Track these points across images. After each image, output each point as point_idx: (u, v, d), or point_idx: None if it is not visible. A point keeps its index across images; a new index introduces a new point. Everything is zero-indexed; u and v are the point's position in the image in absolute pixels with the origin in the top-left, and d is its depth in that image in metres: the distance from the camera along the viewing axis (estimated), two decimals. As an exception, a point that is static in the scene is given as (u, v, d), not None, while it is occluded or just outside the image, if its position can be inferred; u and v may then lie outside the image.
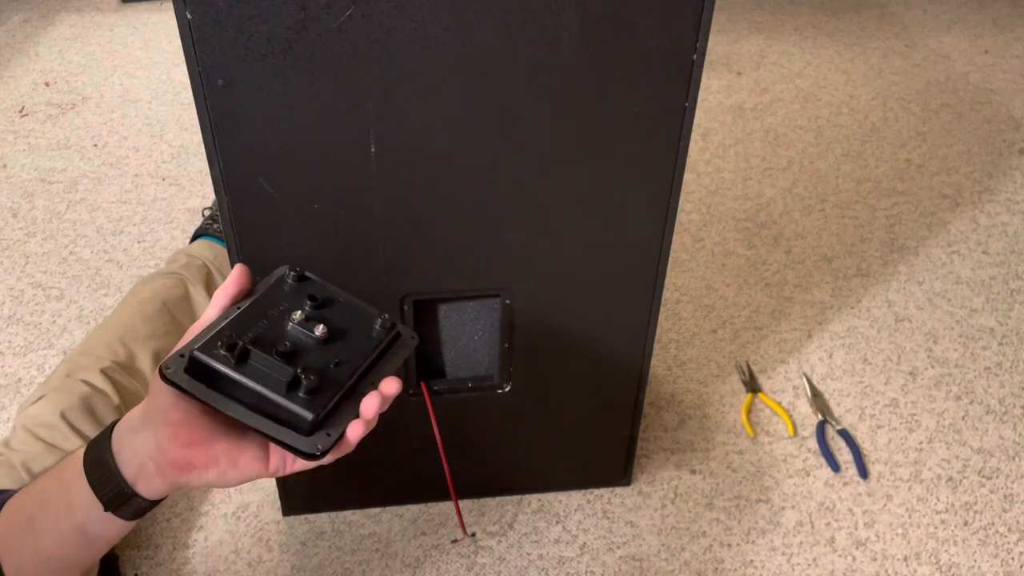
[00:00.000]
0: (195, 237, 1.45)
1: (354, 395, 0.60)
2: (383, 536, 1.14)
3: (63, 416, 1.02)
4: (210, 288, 1.27)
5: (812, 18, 2.51)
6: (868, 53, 2.33)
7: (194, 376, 0.57)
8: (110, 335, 1.16)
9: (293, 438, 0.56)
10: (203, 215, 1.60)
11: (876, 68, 2.26)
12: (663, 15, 0.78)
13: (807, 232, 1.69)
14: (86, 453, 0.60)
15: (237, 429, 0.59)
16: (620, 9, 0.77)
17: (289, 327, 0.61)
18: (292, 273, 0.65)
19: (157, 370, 0.57)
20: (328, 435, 0.57)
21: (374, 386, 0.61)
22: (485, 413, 1.09)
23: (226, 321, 0.60)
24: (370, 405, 0.59)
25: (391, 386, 0.61)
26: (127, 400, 1.10)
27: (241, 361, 0.57)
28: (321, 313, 0.63)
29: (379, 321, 0.63)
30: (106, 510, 0.59)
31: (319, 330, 0.61)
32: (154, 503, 0.60)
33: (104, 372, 1.09)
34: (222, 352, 0.56)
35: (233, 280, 0.64)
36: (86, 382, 1.07)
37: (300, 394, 0.56)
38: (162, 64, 2.21)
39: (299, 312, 0.61)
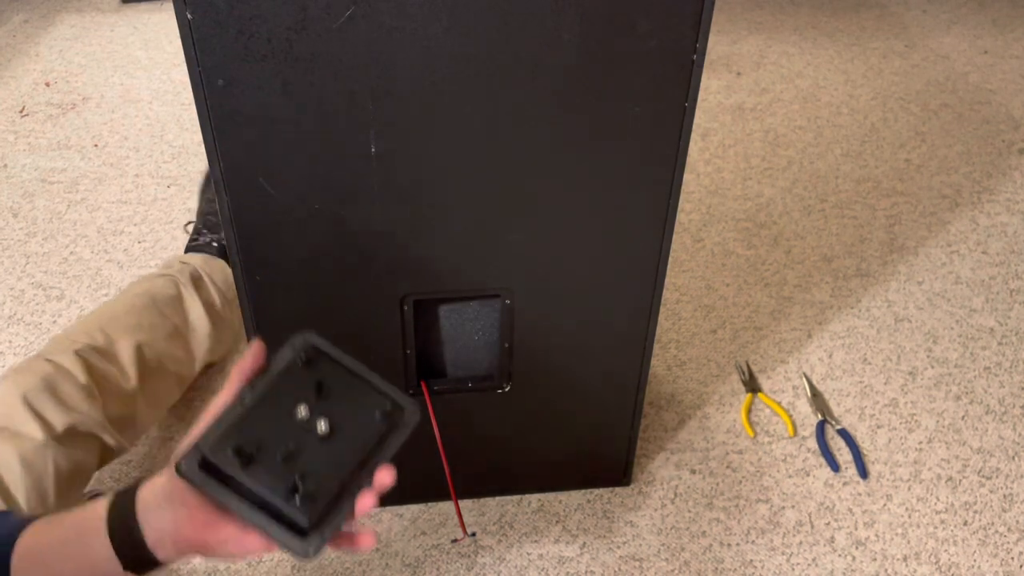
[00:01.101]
0: (187, 250, 1.47)
1: (350, 488, 0.64)
2: (383, 536, 1.14)
3: (24, 399, 1.01)
4: (200, 292, 1.26)
5: (812, 18, 2.51)
6: (868, 53, 2.33)
7: (206, 471, 0.62)
8: (91, 322, 1.16)
9: (289, 539, 0.61)
10: (185, 230, 1.59)
11: (876, 68, 2.26)
12: (663, 15, 0.78)
13: (807, 232, 1.69)
14: (111, 519, 0.66)
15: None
16: (620, 9, 0.77)
17: (294, 422, 0.65)
18: (303, 355, 0.68)
19: (174, 463, 0.63)
20: (322, 536, 0.62)
21: (370, 477, 0.65)
22: (485, 413, 1.09)
23: (237, 414, 0.65)
24: (363, 505, 0.64)
25: (385, 479, 0.65)
26: (99, 382, 1.09)
27: (246, 464, 0.62)
28: (325, 405, 0.66)
29: (378, 413, 0.67)
30: (125, 569, 0.65)
31: (321, 426, 0.65)
32: (166, 564, 0.67)
33: (77, 353, 1.08)
34: (229, 454, 0.62)
35: (249, 359, 0.69)
36: (51, 361, 1.06)
37: (297, 501, 0.61)
38: (162, 64, 2.21)
39: (303, 407, 0.65)
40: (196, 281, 1.27)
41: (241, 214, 0.86)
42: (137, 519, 0.65)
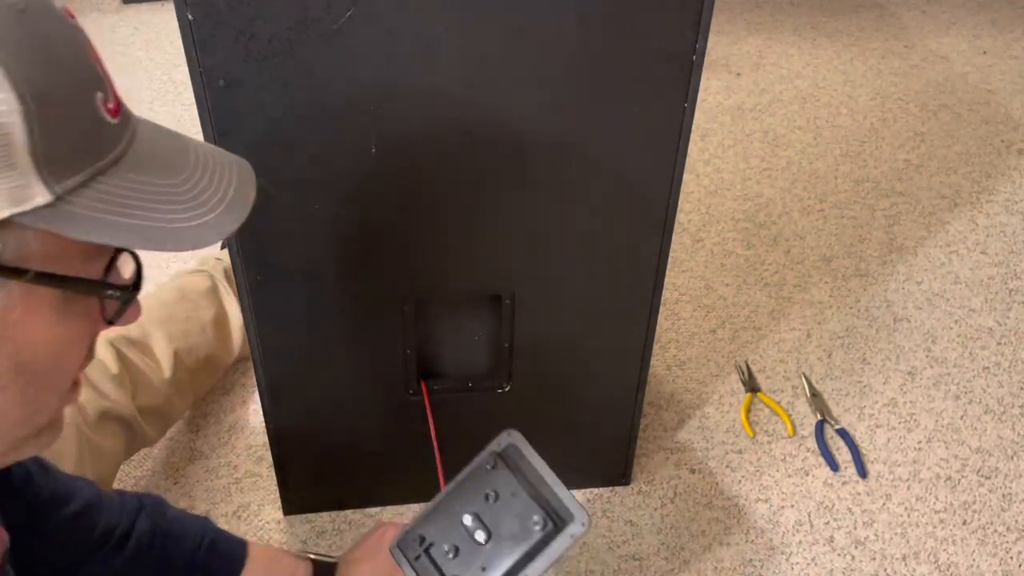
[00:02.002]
0: (222, 247, 1.49)
1: None
2: (383, 535, 1.14)
3: None
4: (234, 286, 1.28)
5: (811, 19, 2.51)
6: (867, 54, 2.34)
7: (402, 551, 0.79)
8: None
9: None
10: None
11: (875, 69, 2.27)
12: (663, 15, 0.78)
13: (806, 232, 1.69)
14: None
15: None
16: (620, 9, 0.78)
17: (462, 525, 0.77)
18: (495, 458, 0.80)
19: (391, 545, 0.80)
20: None
21: None
22: (485, 413, 1.09)
23: (431, 507, 0.80)
24: None
25: None
26: (131, 372, 1.10)
27: (416, 560, 0.77)
28: (491, 512, 0.77)
29: (538, 522, 0.75)
30: None
31: (479, 536, 0.76)
32: None
33: (110, 342, 1.10)
34: (407, 552, 0.78)
35: None
36: None
37: None
38: (163, 65, 2.22)
39: (469, 516, 0.77)
40: (230, 275, 1.28)
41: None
42: None
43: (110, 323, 0.51)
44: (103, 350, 1.09)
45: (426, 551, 0.77)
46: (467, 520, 0.77)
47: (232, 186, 0.51)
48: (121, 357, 1.10)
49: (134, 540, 0.80)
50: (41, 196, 0.42)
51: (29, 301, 0.45)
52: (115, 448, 1.07)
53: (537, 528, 0.74)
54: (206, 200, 0.49)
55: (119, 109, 0.48)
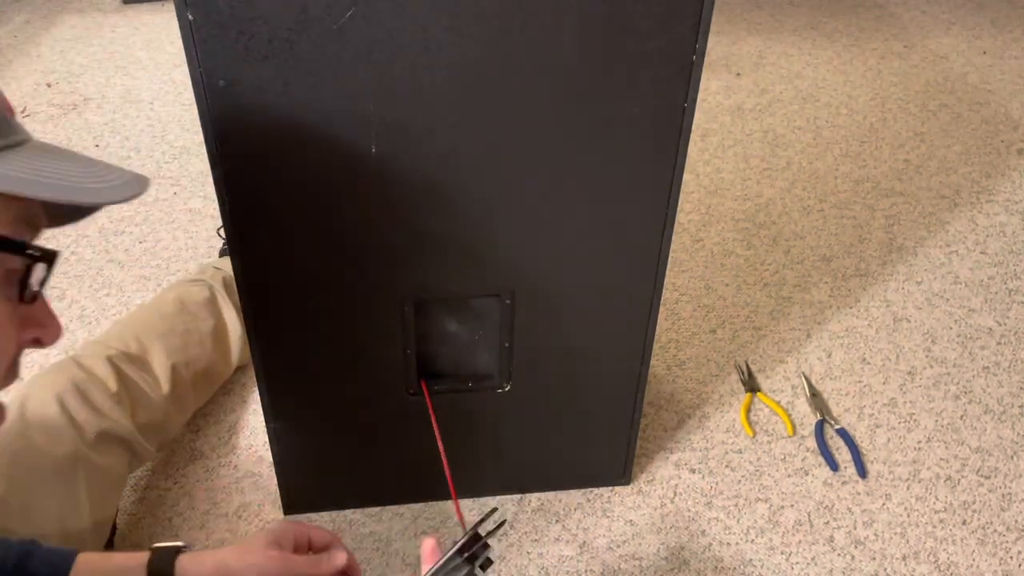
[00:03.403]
0: (221, 255, 1.49)
1: None
2: (384, 535, 1.14)
3: (59, 399, 1.01)
4: (233, 296, 1.27)
5: (811, 19, 2.51)
6: (867, 54, 2.34)
7: None
8: (126, 328, 1.16)
9: None
10: (219, 235, 1.61)
11: (875, 69, 2.27)
12: (663, 15, 0.79)
13: (806, 232, 1.69)
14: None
15: None
16: (620, 9, 0.78)
17: None
18: (465, 552, 0.79)
19: None
20: None
21: None
22: (485, 413, 1.09)
23: None
24: None
25: None
26: (130, 390, 1.09)
27: None
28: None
29: None
30: None
31: None
32: None
33: (109, 359, 1.09)
34: None
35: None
36: (82, 366, 1.06)
37: None
38: (164, 65, 2.22)
39: None
40: (228, 286, 1.28)
41: (242, 214, 0.86)
42: None
43: (31, 301, 0.53)
44: (102, 368, 1.08)
45: None
46: None
47: (129, 175, 0.55)
48: (120, 375, 1.09)
49: None
50: None
51: None
52: (117, 468, 1.05)
53: None
54: (105, 175, 0.53)
55: (12, 111, 0.52)
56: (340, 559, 0.81)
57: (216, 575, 0.76)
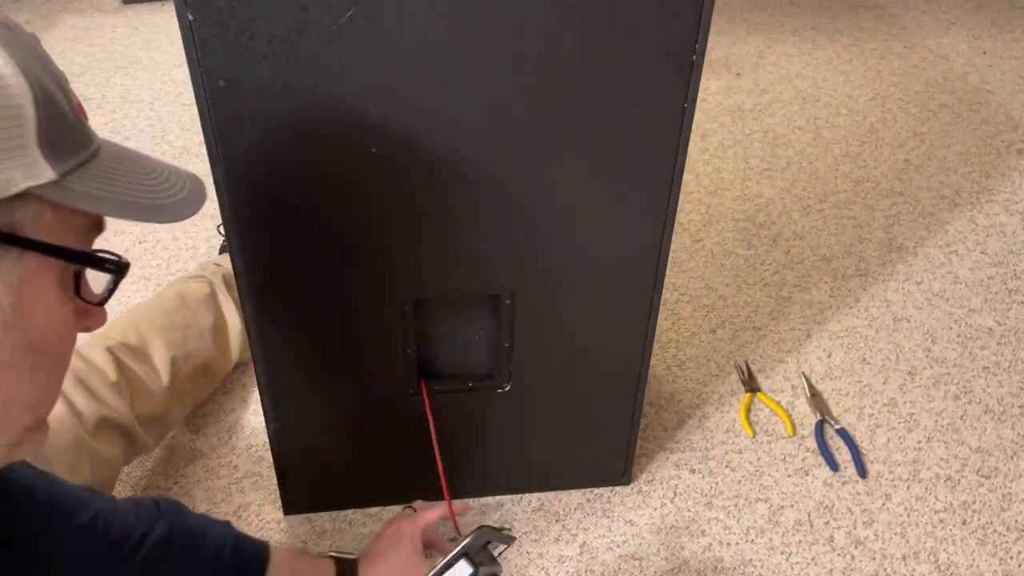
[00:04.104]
0: (220, 252, 1.49)
1: None
2: (383, 535, 1.14)
3: None
4: (233, 292, 1.28)
5: (811, 19, 2.51)
6: (867, 54, 2.34)
7: None
8: (126, 321, 1.17)
9: None
10: (219, 231, 1.61)
11: (875, 69, 2.27)
12: (663, 16, 0.79)
13: (806, 232, 1.69)
14: None
15: None
16: (620, 9, 0.78)
17: None
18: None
19: None
20: None
21: None
22: (485, 413, 1.09)
23: None
24: None
25: None
26: (129, 380, 1.10)
27: None
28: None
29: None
30: None
31: None
32: None
33: (109, 350, 1.09)
34: None
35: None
36: (82, 356, 1.07)
37: None
38: (164, 65, 2.22)
39: None
40: (229, 282, 1.28)
41: (241, 214, 0.86)
42: None
43: (100, 304, 0.55)
44: (102, 358, 1.08)
45: None
46: None
47: (189, 181, 0.57)
48: (119, 365, 1.09)
49: (150, 546, 0.80)
50: (48, 174, 0.47)
51: (40, 276, 0.49)
52: (114, 456, 1.06)
53: None
54: (172, 186, 0.55)
55: (86, 115, 0.53)
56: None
57: None
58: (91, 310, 0.54)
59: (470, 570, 0.82)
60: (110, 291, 0.54)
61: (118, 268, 0.52)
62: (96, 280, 0.54)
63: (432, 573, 0.82)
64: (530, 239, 0.93)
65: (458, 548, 0.85)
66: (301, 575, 0.91)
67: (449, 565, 0.83)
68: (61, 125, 0.49)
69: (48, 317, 0.50)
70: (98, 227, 0.54)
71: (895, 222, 1.73)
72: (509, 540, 0.91)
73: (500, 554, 0.88)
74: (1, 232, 0.46)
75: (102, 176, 0.51)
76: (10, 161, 0.45)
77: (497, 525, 0.93)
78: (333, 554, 0.96)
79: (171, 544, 0.81)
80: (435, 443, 1.02)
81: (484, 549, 0.85)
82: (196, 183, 0.58)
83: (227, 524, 0.89)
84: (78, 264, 0.51)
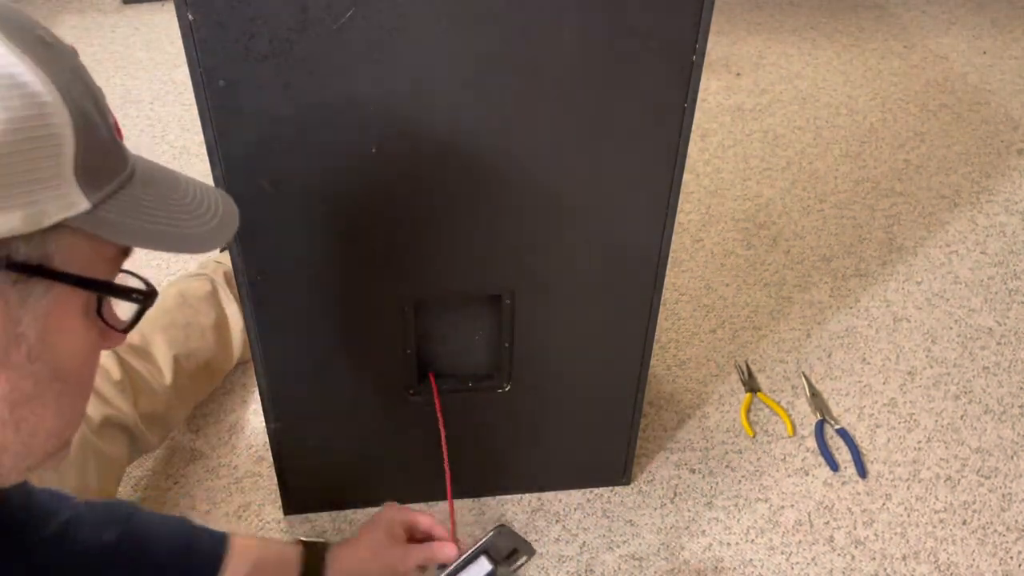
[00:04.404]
0: (221, 250, 1.48)
1: None
2: (383, 535, 1.14)
3: None
4: (234, 290, 1.28)
5: (811, 19, 2.51)
6: (867, 54, 2.34)
7: None
8: None
9: None
10: None
11: (875, 69, 2.27)
12: (663, 16, 0.79)
13: (806, 232, 1.69)
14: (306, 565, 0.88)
15: None
16: (620, 10, 0.78)
17: None
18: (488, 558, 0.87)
19: None
20: None
21: None
22: (485, 413, 1.09)
23: None
24: None
25: None
26: (132, 379, 1.10)
27: None
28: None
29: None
30: None
31: None
32: None
33: (112, 349, 1.10)
34: None
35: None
36: None
37: None
38: (164, 65, 2.22)
39: None
40: (230, 279, 1.29)
41: (242, 214, 0.86)
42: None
43: (124, 331, 0.54)
44: (104, 356, 1.09)
45: None
46: None
47: (219, 204, 0.56)
48: (122, 363, 1.10)
49: (110, 547, 0.78)
50: (83, 204, 0.46)
51: (67, 306, 0.48)
52: (119, 455, 1.07)
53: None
54: (203, 212, 0.54)
55: (120, 133, 0.52)
56: (450, 553, 0.91)
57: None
58: (113, 333, 0.53)
59: (489, 567, 0.81)
60: (136, 319, 0.54)
61: (145, 297, 0.52)
62: (122, 305, 0.53)
63: (451, 567, 0.82)
64: (530, 239, 0.93)
65: (479, 544, 0.84)
66: (264, 561, 0.88)
67: (469, 561, 0.82)
68: (99, 151, 0.48)
69: (73, 345, 0.50)
70: (126, 252, 0.53)
71: (895, 222, 1.73)
72: (531, 552, 0.90)
73: (520, 566, 0.88)
74: (31, 264, 0.45)
75: (136, 204, 0.50)
76: (45, 191, 0.44)
77: (517, 531, 0.93)
78: (303, 538, 0.93)
79: (119, 548, 0.79)
80: (443, 434, 1.01)
81: (509, 557, 0.85)
82: (227, 204, 0.57)
83: (182, 520, 0.87)
84: (107, 294, 0.51)
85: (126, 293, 0.51)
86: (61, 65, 0.46)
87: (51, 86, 0.44)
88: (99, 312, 0.51)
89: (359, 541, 0.93)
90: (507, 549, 0.87)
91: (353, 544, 0.93)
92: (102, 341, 0.53)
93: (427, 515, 0.96)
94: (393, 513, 0.96)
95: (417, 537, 0.96)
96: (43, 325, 0.47)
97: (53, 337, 0.48)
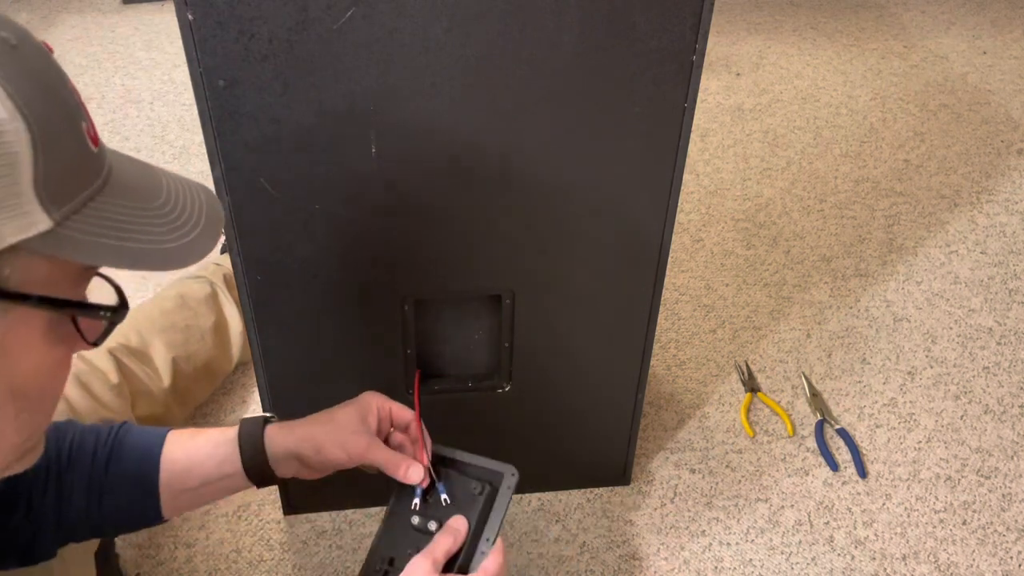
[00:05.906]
0: (221, 252, 1.48)
1: (475, 552, 0.77)
2: (383, 535, 1.14)
3: None
4: (233, 291, 1.28)
5: (811, 19, 2.51)
6: (867, 54, 2.34)
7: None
8: (127, 323, 1.17)
9: None
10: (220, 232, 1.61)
11: (874, 69, 2.27)
12: (663, 16, 0.79)
13: (806, 232, 1.69)
14: (243, 445, 0.80)
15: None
16: (620, 10, 0.78)
17: (412, 529, 0.79)
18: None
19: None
20: None
21: (491, 535, 0.77)
22: (485, 413, 1.09)
23: (380, 532, 0.82)
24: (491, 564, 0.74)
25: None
26: (130, 382, 1.10)
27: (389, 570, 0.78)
28: (433, 507, 0.80)
29: (476, 489, 0.79)
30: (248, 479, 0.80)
31: (432, 525, 0.78)
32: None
33: (110, 352, 1.09)
34: (378, 565, 0.79)
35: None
36: (83, 358, 1.07)
37: None
38: (164, 65, 2.22)
39: (416, 517, 0.79)
40: (229, 281, 1.28)
41: (241, 214, 0.86)
42: (266, 455, 0.79)
43: (95, 344, 0.52)
44: (103, 360, 1.08)
45: (390, 564, 0.78)
46: (415, 521, 0.79)
47: (203, 210, 0.53)
48: (120, 367, 1.09)
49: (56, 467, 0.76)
50: (43, 223, 0.43)
51: (26, 326, 0.46)
52: None
53: (478, 492, 0.79)
54: (184, 223, 0.51)
55: (97, 138, 0.49)
56: (416, 476, 0.81)
57: (302, 445, 0.79)
58: (83, 343, 0.51)
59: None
60: (104, 335, 0.52)
61: (113, 313, 0.50)
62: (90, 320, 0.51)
63: (411, 500, 0.80)
64: (530, 239, 0.93)
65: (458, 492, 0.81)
66: (199, 435, 0.81)
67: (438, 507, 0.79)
68: (63, 164, 0.45)
69: (35, 363, 0.48)
70: (91, 267, 0.50)
71: (895, 222, 1.73)
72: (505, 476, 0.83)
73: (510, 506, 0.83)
74: None
75: (105, 218, 0.47)
76: (0, 213, 0.41)
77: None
78: (246, 417, 0.87)
79: (59, 457, 0.76)
80: (420, 428, 0.99)
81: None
82: (211, 209, 0.54)
83: (125, 423, 0.82)
84: (69, 313, 0.48)
85: (92, 310, 0.49)
86: (25, 72, 0.44)
87: (6, 100, 0.41)
88: (75, 323, 0.50)
89: (324, 414, 0.83)
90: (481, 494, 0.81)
91: (312, 420, 0.83)
92: (71, 350, 0.51)
93: (407, 410, 0.84)
94: (374, 399, 0.83)
95: (391, 442, 0.84)
96: (1, 345, 0.45)
97: (13, 357, 0.46)
